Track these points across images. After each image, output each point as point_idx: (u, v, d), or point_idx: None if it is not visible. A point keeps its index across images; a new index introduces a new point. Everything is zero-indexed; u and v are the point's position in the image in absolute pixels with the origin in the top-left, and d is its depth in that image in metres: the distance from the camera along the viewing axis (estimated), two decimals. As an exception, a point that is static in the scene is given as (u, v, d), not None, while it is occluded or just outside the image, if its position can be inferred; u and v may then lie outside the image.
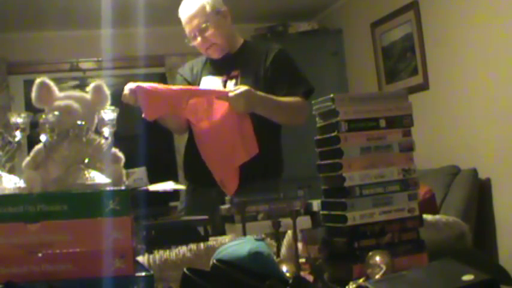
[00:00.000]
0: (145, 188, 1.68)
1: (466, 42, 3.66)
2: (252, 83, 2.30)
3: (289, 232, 1.50)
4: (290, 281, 1.09)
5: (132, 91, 2.21)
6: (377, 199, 1.40)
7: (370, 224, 1.38)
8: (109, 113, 1.33)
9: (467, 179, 3.52)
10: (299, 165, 3.54)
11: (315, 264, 1.44)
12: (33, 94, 1.38)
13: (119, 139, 1.36)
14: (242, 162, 2.25)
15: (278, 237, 1.47)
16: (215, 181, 2.32)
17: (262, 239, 1.22)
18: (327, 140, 1.43)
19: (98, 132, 1.35)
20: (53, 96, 1.38)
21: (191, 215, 2.20)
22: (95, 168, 1.29)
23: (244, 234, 1.40)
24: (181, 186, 2.19)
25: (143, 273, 1.12)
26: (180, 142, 4.48)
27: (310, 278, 1.37)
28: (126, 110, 1.53)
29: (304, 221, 1.48)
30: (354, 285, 1.20)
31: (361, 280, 1.22)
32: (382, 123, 1.43)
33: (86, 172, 1.26)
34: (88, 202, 1.12)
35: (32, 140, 1.35)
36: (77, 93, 1.42)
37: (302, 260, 1.46)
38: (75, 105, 1.35)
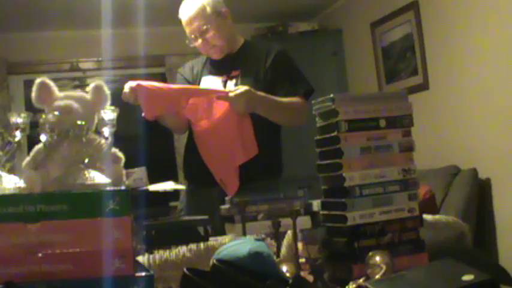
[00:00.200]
0: (145, 188, 1.68)
1: (466, 42, 3.66)
2: (252, 83, 2.30)
3: (289, 232, 1.50)
4: (290, 281, 1.09)
5: (132, 89, 2.21)
6: (377, 199, 1.40)
7: (370, 224, 1.38)
8: (109, 113, 1.33)
9: (467, 179, 3.51)
10: (299, 165, 3.55)
11: (315, 264, 1.44)
12: (33, 94, 1.38)
13: (119, 139, 1.36)
14: (242, 163, 2.25)
15: (278, 237, 1.47)
16: (215, 181, 2.32)
17: (262, 239, 1.22)
18: (327, 140, 1.43)
19: (98, 132, 1.35)
20: (53, 96, 1.38)
21: (191, 215, 2.20)
22: (95, 168, 1.29)
23: (244, 234, 1.40)
24: (181, 186, 2.19)
25: (143, 273, 1.12)
26: (180, 142, 4.48)
27: (310, 278, 1.37)
28: (126, 110, 1.53)
29: (304, 221, 1.48)
30: (354, 285, 1.20)
31: (361, 280, 1.22)
32: (382, 123, 1.44)
33: (86, 172, 1.26)
34: (88, 202, 1.12)
35: (32, 140, 1.35)
36: (77, 93, 1.42)
37: (302, 260, 1.46)
38: (75, 105, 1.35)
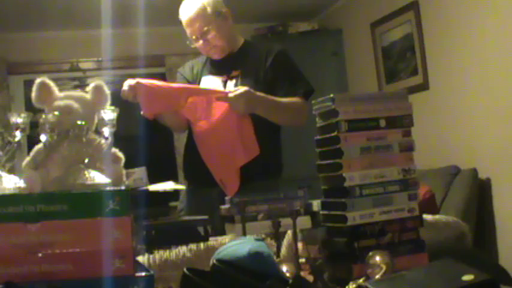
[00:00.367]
0: (145, 188, 1.68)
1: (466, 42, 3.66)
2: (252, 83, 2.30)
3: (289, 232, 1.50)
4: (290, 281, 1.09)
5: (131, 87, 2.21)
6: (377, 199, 1.40)
7: (370, 224, 1.38)
8: (109, 113, 1.33)
9: (467, 179, 3.51)
10: (299, 165, 3.55)
11: (315, 264, 1.44)
12: (33, 94, 1.38)
13: (119, 139, 1.36)
14: (243, 164, 2.25)
15: (278, 237, 1.47)
16: (215, 181, 2.32)
17: (262, 239, 1.22)
18: (327, 140, 1.43)
19: (98, 132, 1.35)
20: (53, 96, 1.38)
21: (191, 215, 2.20)
22: (95, 168, 1.29)
23: (244, 234, 1.40)
24: (181, 186, 2.19)
25: (143, 273, 1.12)
26: (180, 142, 4.48)
27: (310, 278, 1.37)
28: (126, 110, 1.53)
29: (304, 221, 1.48)
30: (354, 285, 1.20)
31: (361, 280, 1.22)
32: (382, 123, 1.44)
33: (86, 172, 1.26)
34: (88, 202, 1.12)
35: (32, 140, 1.35)
36: (77, 93, 1.42)
37: (302, 260, 1.46)
38: (75, 105, 1.35)
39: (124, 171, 1.42)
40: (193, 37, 2.41)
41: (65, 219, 1.09)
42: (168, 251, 1.38)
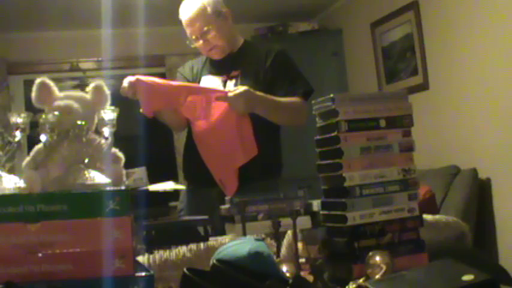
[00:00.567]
0: (145, 188, 1.68)
1: (466, 42, 3.66)
2: (252, 83, 2.30)
3: (289, 232, 1.50)
4: (290, 281, 1.09)
5: (131, 84, 2.21)
6: (377, 199, 1.40)
7: (370, 224, 1.38)
8: (109, 113, 1.33)
9: (467, 179, 3.52)
10: (299, 165, 3.55)
11: (315, 264, 1.44)
12: (33, 94, 1.38)
13: (119, 139, 1.36)
14: (242, 164, 2.25)
15: (278, 237, 1.47)
16: (215, 181, 2.32)
17: (262, 239, 1.22)
18: (327, 140, 1.43)
19: (98, 132, 1.35)
20: (53, 96, 1.38)
21: (191, 215, 2.20)
22: (95, 168, 1.29)
23: (244, 234, 1.40)
24: (181, 186, 2.20)
25: (143, 273, 1.12)
26: (180, 142, 4.48)
27: (310, 278, 1.37)
28: (126, 109, 1.53)
29: (304, 221, 1.48)
30: (354, 285, 1.20)
31: (361, 280, 1.22)
32: (382, 123, 1.43)
33: (86, 172, 1.26)
34: (88, 202, 1.12)
35: (32, 140, 1.35)
36: (77, 93, 1.42)
37: (302, 260, 1.46)
38: (75, 105, 1.35)
39: (124, 171, 1.42)
40: (193, 37, 2.41)
41: (65, 219, 1.09)
42: (168, 251, 1.38)
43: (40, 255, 1.06)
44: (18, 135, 1.32)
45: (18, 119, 1.32)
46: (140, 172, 1.70)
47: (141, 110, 2.28)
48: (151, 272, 1.15)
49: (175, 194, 2.23)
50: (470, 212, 3.40)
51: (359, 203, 1.38)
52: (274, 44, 2.56)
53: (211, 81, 2.44)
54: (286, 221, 1.44)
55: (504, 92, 3.37)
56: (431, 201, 3.08)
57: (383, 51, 4.58)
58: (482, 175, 3.53)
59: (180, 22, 2.44)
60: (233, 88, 2.29)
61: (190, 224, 1.71)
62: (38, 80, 1.39)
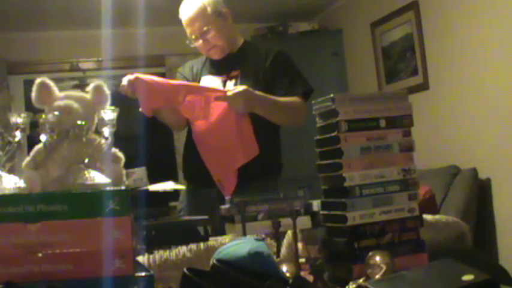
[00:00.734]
0: (145, 188, 1.68)
1: (466, 42, 3.66)
2: (251, 83, 2.30)
3: (289, 232, 1.50)
4: (290, 281, 1.09)
5: (130, 82, 2.21)
6: (377, 199, 1.40)
7: (370, 224, 1.38)
8: (109, 113, 1.33)
9: (467, 179, 3.52)
10: (299, 165, 3.55)
11: (315, 264, 1.44)
12: (33, 94, 1.38)
13: (119, 139, 1.37)
14: (242, 164, 2.25)
15: (278, 237, 1.47)
16: (214, 181, 2.32)
17: (262, 239, 1.22)
18: (327, 140, 1.43)
19: (98, 132, 1.35)
20: (53, 96, 1.38)
21: (191, 215, 2.20)
22: (95, 168, 1.29)
23: (244, 234, 1.40)
24: (181, 186, 2.20)
25: (143, 273, 1.12)
26: (180, 142, 4.48)
27: (310, 278, 1.37)
28: (126, 110, 1.53)
29: (304, 221, 1.48)
30: (354, 285, 1.20)
31: (361, 280, 1.22)
32: (382, 123, 1.43)
33: (86, 172, 1.26)
34: (88, 202, 1.12)
35: (32, 140, 1.35)
36: (77, 93, 1.42)
37: (302, 260, 1.46)
38: (75, 105, 1.35)
39: (124, 171, 1.42)
40: (193, 37, 2.41)
41: (65, 219, 1.09)
42: (168, 251, 1.38)
43: (40, 255, 1.06)
44: (18, 135, 1.32)
45: (18, 119, 1.32)
46: (140, 172, 1.70)
47: (140, 109, 2.28)
48: (151, 272, 1.15)
49: (175, 194, 2.23)
50: (470, 212, 3.40)
51: (359, 203, 1.38)
52: (274, 45, 2.56)
53: (211, 81, 2.44)
54: (286, 221, 1.44)
55: (504, 92, 3.37)
56: (431, 201, 3.08)
57: (383, 51, 4.58)
58: (482, 175, 3.53)
59: (180, 22, 2.44)
60: (232, 88, 2.29)
61: (190, 224, 1.71)
62: (38, 80, 1.39)
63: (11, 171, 1.32)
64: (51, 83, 1.40)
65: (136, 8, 4.25)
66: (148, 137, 3.29)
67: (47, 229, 1.07)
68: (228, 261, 1.06)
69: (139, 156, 2.28)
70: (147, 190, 1.68)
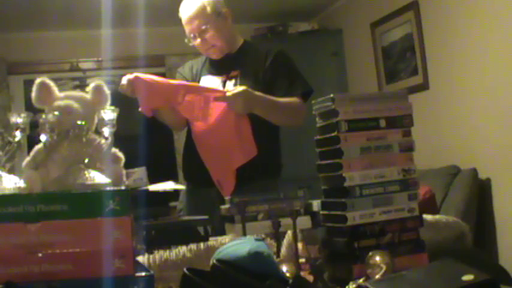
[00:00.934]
0: (145, 188, 1.68)
1: (466, 42, 3.66)
2: (251, 83, 2.30)
3: (289, 232, 1.50)
4: (290, 281, 1.09)
5: (129, 82, 2.21)
6: (377, 199, 1.40)
7: (370, 224, 1.38)
8: (109, 113, 1.33)
9: (467, 179, 3.51)
10: (299, 165, 3.55)
11: (315, 264, 1.44)
12: (33, 94, 1.38)
13: (118, 139, 1.37)
14: (240, 165, 2.25)
15: (278, 237, 1.47)
16: (214, 181, 2.32)
17: (262, 239, 1.22)
18: (327, 140, 1.43)
19: (98, 132, 1.35)
20: (53, 96, 1.38)
21: (191, 215, 2.20)
22: (95, 168, 1.29)
23: (244, 234, 1.40)
24: (181, 186, 2.20)
25: (143, 273, 1.12)
26: (180, 142, 4.48)
27: (310, 278, 1.37)
28: (126, 110, 1.53)
29: (304, 221, 1.48)
30: (354, 285, 1.20)
31: (361, 280, 1.22)
32: (382, 123, 1.43)
33: (86, 172, 1.26)
34: (88, 202, 1.12)
35: (32, 140, 1.35)
36: (77, 93, 1.42)
37: (302, 260, 1.46)
38: (75, 105, 1.35)
39: (124, 171, 1.42)
40: (192, 35, 2.41)
41: (65, 219, 1.09)
42: (168, 251, 1.38)
43: (40, 255, 1.06)
44: (18, 135, 1.32)
45: (18, 119, 1.32)
46: (140, 172, 1.70)
47: (139, 109, 2.29)
48: (151, 272, 1.15)
49: (175, 194, 2.23)
50: (470, 212, 3.40)
51: (359, 203, 1.38)
52: (274, 45, 2.56)
53: (210, 82, 2.44)
54: (286, 221, 1.44)
55: (504, 91, 3.37)
56: (431, 201, 3.08)
57: (383, 51, 4.58)
58: (482, 175, 3.53)
59: (180, 22, 2.44)
60: (232, 88, 2.29)
61: (190, 224, 1.71)
62: (38, 80, 1.39)
63: (11, 171, 1.32)
64: (51, 83, 1.40)
65: (136, 8, 4.25)
66: (148, 137, 3.29)
67: (47, 229, 1.07)
68: (228, 261, 1.06)
69: (139, 156, 2.27)
70: (147, 190, 1.68)
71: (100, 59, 5.11)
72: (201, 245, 1.42)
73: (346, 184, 1.38)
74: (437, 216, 1.90)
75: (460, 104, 3.75)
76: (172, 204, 2.07)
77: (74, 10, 4.45)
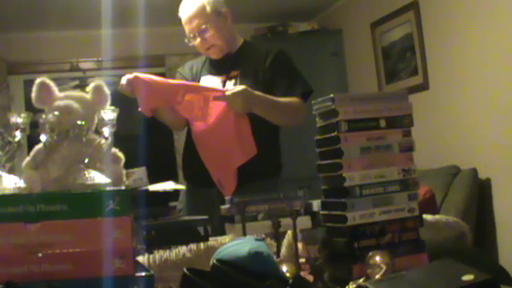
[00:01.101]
0: (145, 188, 1.68)
1: (466, 42, 3.66)
2: (251, 83, 2.30)
3: (289, 232, 1.50)
4: (290, 281, 1.09)
5: (129, 82, 2.21)
6: (377, 199, 1.40)
7: (370, 224, 1.38)
8: (109, 113, 1.33)
9: (467, 179, 3.51)
10: (299, 165, 3.55)
11: (315, 264, 1.44)
12: (33, 94, 1.38)
13: (118, 139, 1.36)
14: (240, 164, 2.25)
15: (278, 237, 1.47)
16: (214, 181, 2.32)
17: (262, 239, 1.22)
18: (327, 140, 1.43)
19: (98, 132, 1.35)
20: (53, 96, 1.38)
21: (191, 215, 2.20)
22: (95, 168, 1.29)
23: (244, 234, 1.40)
24: (181, 186, 2.20)
25: (143, 273, 1.12)
26: (180, 142, 4.48)
27: (310, 278, 1.37)
28: (126, 110, 1.53)
29: (304, 221, 1.48)
30: (354, 285, 1.20)
31: (361, 280, 1.22)
32: (382, 123, 1.43)
33: (86, 172, 1.26)
34: (88, 202, 1.12)
35: (32, 140, 1.35)
36: (77, 93, 1.42)
37: (302, 260, 1.46)
38: (75, 105, 1.35)
39: (124, 171, 1.42)
40: (191, 35, 2.41)
41: (65, 219, 1.09)
42: (168, 251, 1.38)
43: (40, 255, 1.06)
44: (18, 135, 1.32)
45: (18, 119, 1.32)
46: (140, 172, 1.70)
47: (139, 108, 2.29)
48: (151, 272, 1.15)
49: (175, 194, 2.23)
50: (470, 212, 3.40)
51: (359, 203, 1.38)
52: (274, 45, 2.56)
53: (210, 81, 2.44)
54: (286, 221, 1.44)
55: (504, 92, 3.37)
56: (431, 201, 3.09)
57: (383, 51, 4.58)
58: (482, 175, 3.53)
59: (180, 22, 2.44)
60: (231, 88, 2.29)
61: (190, 224, 1.71)
62: (38, 80, 1.39)
63: (11, 171, 1.32)
64: (51, 83, 1.40)
65: (136, 8, 4.25)
66: (148, 137, 3.29)
67: (47, 229, 1.07)
68: (228, 261, 1.06)
69: (139, 156, 2.28)
70: (147, 190, 1.68)
71: (100, 59, 5.11)
72: (201, 245, 1.42)
73: (346, 184, 1.38)
74: (437, 216, 1.90)
75: (460, 104, 3.75)
76: (172, 204, 2.07)
77: (74, 10, 4.45)
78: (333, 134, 1.40)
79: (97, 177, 1.26)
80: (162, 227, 1.62)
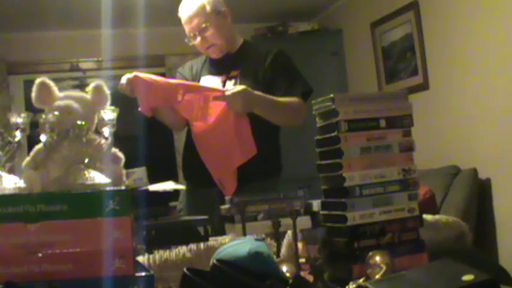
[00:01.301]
0: (145, 188, 1.68)
1: (466, 42, 3.66)
2: (251, 83, 2.30)
3: (289, 232, 1.50)
4: (290, 281, 1.09)
5: (129, 81, 2.21)
6: (377, 199, 1.40)
7: (370, 224, 1.38)
8: (109, 113, 1.33)
9: (467, 179, 3.52)
10: (299, 165, 3.55)
11: (315, 264, 1.44)
12: (33, 94, 1.38)
13: (119, 139, 1.36)
14: (240, 164, 2.25)
15: (278, 237, 1.47)
16: (214, 181, 2.32)
17: (262, 239, 1.22)
18: (327, 140, 1.43)
19: (98, 132, 1.35)
20: (53, 96, 1.38)
21: (191, 215, 2.20)
22: (95, 168, 1.29)
23: (244, 234, 1.40)
24: (181, 186, 2.20)
25: (143, 273, 1.12)
26: (180, 142, 4.48)
27: (310, 278, 1.37)
28: (126, 110, 1.53)
29: (304, 221, 1.48)
30: (354, 285, 1.20)
31: (361, 280, 1.22)
32: (382, 123, 1.43)
33: (86, 172, 1.26)
34: (88, 202, 1.12)
35: (32, 140, 1.35)
36: (77, 93, 1.42)
37: (302, 260, 1.46)
38: (75, 105, 1.35)
39: (124, 171, 1.42)
40: (191, 34, 2.41)
41: (65, 219, 1.09)
42: (168, 251, 1.38)
43: (40, 255, 1.06)
44: (18, 135, 1.32)
45: (18, 119, 1.32)
46: (140, 172, 1.70)
47: (139, 108, 2.29)
48: (151, 272, 1.15)
49: (175, 194, 2.23)
50: (470, 212, 3.40)
51: (359, 203, 1.38)
52: (274, 45, 2.56)
53: (210, 81, 2.44)
54: (286, 221, 1.44)
55: (504, 91, 3.37)
56: (431, 201, 3.08)
57: (383, 51, 4.59)
58: (482, 175, 3.53)
59: (180, 22, 2.44)
60: (231, 87, 2.29)
61: (190, 224, 1.71)
62: (38, 80, 1.39)
63: (11, 171, 1.32)
64: (51, 83, 1.40)
65: (136, 8, 4.25)
66: (148, 137, 3.30)
67: (47, 229, 1.07)
68: (228, 261, 1.06)
69: (139, 156, 2.28)
70: (147, 190, 1.68)
71: (100, 59, 5.11)
72: (201, 245, 1.42)
73: (346, 184, 1.38)
74: (437, 216, 1.90)
75: (460, 104, 3.75)
76: (173, 204, 2.07)
77: (74, 10, 4.45)
78: (333, 134, 1.40)
79: (97, 177, 1.26)
80: (162, 227, 1.62)
